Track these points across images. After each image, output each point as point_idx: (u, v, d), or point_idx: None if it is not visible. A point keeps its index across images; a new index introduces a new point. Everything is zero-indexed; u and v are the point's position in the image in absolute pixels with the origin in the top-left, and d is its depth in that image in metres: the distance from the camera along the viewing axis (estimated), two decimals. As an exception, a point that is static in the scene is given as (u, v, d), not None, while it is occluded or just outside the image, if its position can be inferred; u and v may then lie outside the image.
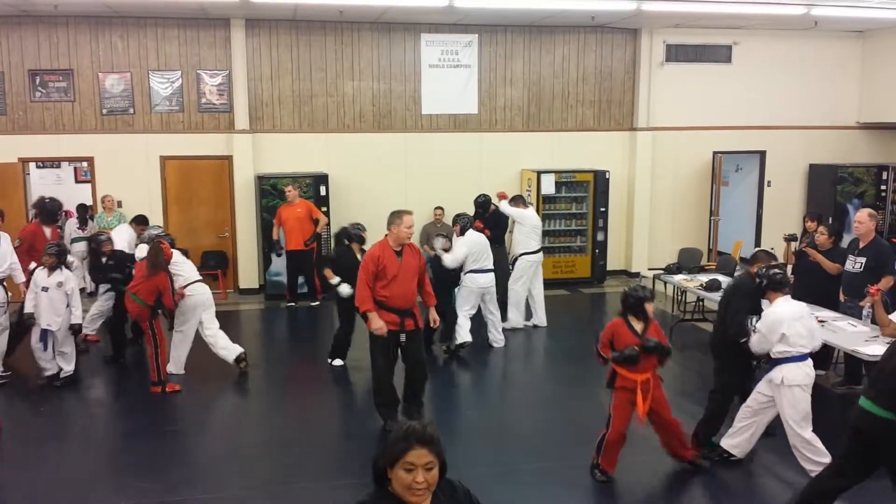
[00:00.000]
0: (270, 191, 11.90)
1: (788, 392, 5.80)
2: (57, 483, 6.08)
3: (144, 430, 7.21)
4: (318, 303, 11.78)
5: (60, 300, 7.93)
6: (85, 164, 12.92)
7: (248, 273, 12.44)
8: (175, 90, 12.06)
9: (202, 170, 12.31)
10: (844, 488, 5.02)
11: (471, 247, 9.20)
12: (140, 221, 10.12)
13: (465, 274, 9.32)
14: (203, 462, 6.54)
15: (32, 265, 8.37)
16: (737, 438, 6.19)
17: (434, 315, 7.15)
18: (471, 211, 12.17)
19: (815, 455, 5.82)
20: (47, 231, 9.51)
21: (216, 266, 12.20)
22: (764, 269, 6.18)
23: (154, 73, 11.98)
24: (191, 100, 12.12)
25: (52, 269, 7.92)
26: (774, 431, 6.41)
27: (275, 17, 11.98)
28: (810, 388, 5.86)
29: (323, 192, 11.97)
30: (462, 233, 9.33)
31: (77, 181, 16.06)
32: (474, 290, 9.34)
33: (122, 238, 9.67)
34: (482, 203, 11.07)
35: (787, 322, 5.82)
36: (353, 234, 8.88)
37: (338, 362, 8.92)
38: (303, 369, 9.19)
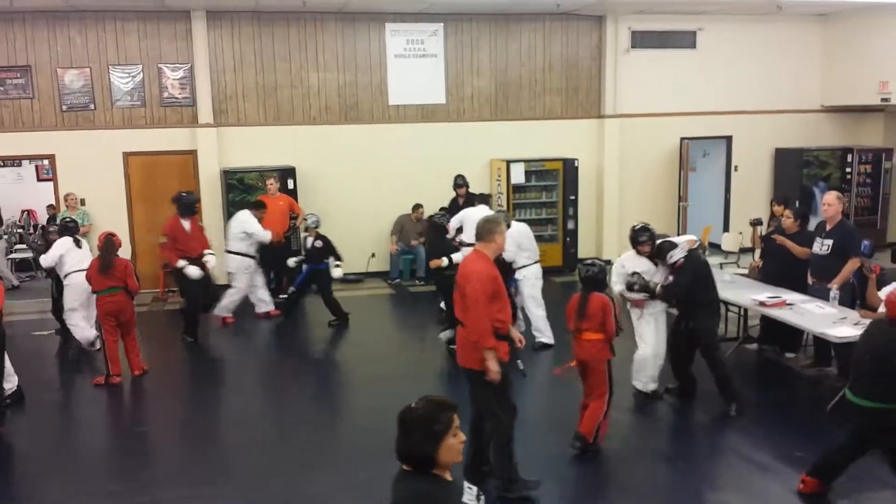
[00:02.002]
0: (237, 185, 11.75)
1: None
2: (26, 485, 5.97)
3: (114, 430, 7.10)
4: (286, 296, 11.65)
5: None
6: (46, 161, 12.69)
7: (216, 269, 12.25)
8: (136, 85, 11.84)
9: (166, 165, 12.10)
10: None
11: (520, 239, 8.79)
12: (258, 206, 10.44)
13: (528, 267, 8.89)
14: (176, 462, 6.44)
15: (181, 262, 9.23)
16: None
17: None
18: (439, 202, 12.20)
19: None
20: (186, 223, 9.58)
21: (183, 263, 12.01)
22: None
23: (114, 67, 11.75)
24: (153, 94, 11.91)
25: None
26: (742, 410, 6.76)
27: (236, 8, 11.79)
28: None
29: (291, 185, 11.83)
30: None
31: (39, 179, 15.80)
32: (539, 280, 9.03)
33: (241, 224, 10.28)
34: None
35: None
36: (439, 224, 9.04)
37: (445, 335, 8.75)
38: (275, 366, 9.10)
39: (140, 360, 8.34)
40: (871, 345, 5.09)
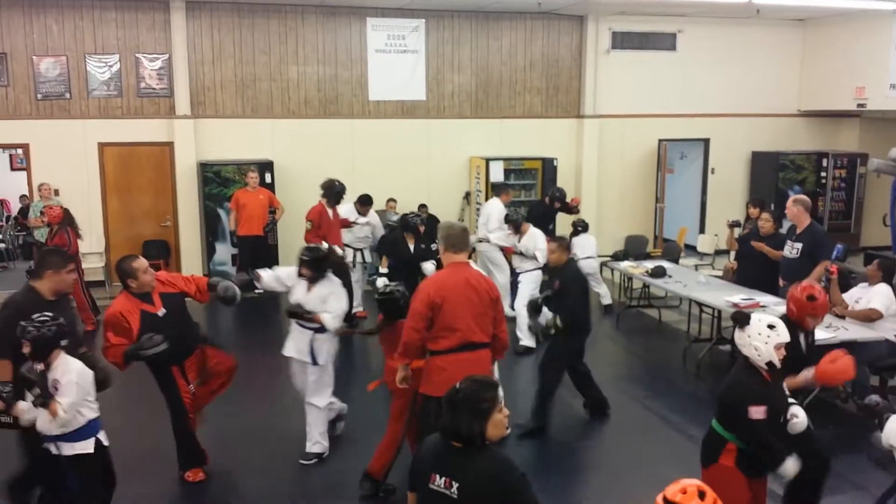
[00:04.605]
0: (213, 178, 11.66)
1: None
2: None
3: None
4: (261, 292, 11.58)
5: None
6: (20, 150, 12.54)
7: (191, 263, 12.16)
8: (113, 74, 11.71)
9: (142, 156, 11.98)
10: None
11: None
12: (364, 202, 10.28)
13: (532, 272, 8.96)
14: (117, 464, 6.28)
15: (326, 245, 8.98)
16: None
17: None
18: (418, 199, 12.21)
19: None
20: (331, 212, 9.70)
21: (158, 256, 11.90)
22: None
23: (91, 56, 11.61)
24: (129, 84, 11.78)
25: None
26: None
27: (216, -1, 11.72)
28: None
29: (269, 179, 11.75)
30: (517, 231, 9.06)
31: (12, 169, 15.64)
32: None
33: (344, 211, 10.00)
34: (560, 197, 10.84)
35: None
36: (411, 224, 8.91)
37: None
38: (242, 362, 9.00)
39: None
40: None
